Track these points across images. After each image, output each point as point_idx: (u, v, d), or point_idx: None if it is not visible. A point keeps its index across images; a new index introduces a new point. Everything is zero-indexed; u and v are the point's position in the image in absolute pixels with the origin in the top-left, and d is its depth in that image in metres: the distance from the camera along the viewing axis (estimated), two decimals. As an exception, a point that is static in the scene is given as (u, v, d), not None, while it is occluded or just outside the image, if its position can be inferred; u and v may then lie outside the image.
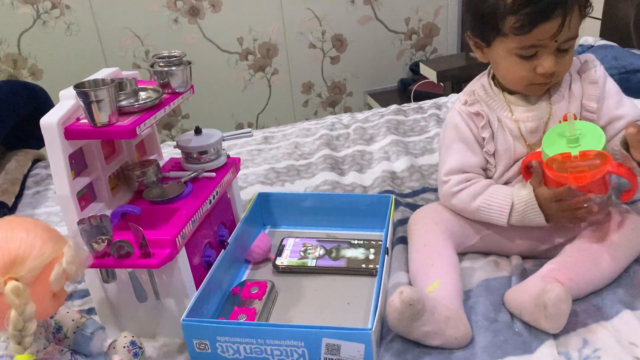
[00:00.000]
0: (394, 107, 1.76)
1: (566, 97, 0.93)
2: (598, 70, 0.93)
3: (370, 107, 2.72)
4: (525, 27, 0.81)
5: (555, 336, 0.80)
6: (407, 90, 2.64)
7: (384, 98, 2.68)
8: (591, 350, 0.77)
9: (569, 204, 0.85)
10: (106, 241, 0.79)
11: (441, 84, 2.23)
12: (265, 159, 1.47)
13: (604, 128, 0.91)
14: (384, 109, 1.77)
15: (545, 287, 0.77)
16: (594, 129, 0.85)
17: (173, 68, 0.89)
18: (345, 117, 1.74)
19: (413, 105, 1.78)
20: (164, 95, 0.88)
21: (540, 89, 0.91)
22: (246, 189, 1.31)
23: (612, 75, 1.31)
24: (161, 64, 0.89)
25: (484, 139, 0.95)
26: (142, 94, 0.86)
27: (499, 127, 0.94)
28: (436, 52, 2.84)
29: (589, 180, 0.81)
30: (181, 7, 2.43)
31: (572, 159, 0.82)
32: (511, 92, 0.95)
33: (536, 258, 0.97)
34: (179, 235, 0.81)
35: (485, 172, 0.98)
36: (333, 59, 2.72)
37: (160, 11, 2.41)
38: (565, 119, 0.85)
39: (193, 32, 2.48)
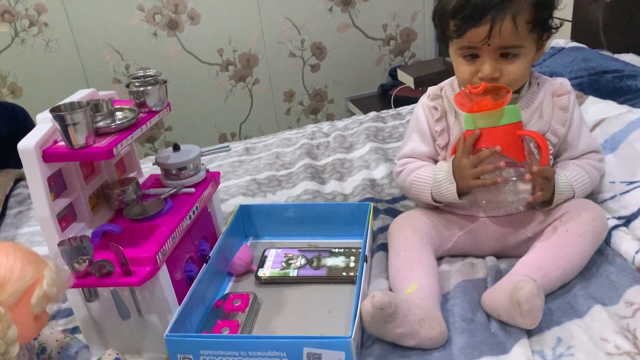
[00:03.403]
0: (372, 114, 1.79)
1: (532, 109, 0.98)
2: (570, 98, 0.99)
3: (352, 113, 2.75)
4: (459, 31, 0.90)
5: (529, 335, 0.82)
6: (388, 95, 2.67)
7: (365, 104, 2.71)
8: (565, 348, 0.79)
9: (477, 156, 0.89)
10: (87, 261, 0.80)
11: (420, 88, 2.26)
12: (247, 170, 1.49)
13: (557, 148, 1.00)
14: (363, 116, 1.79)
15: (516, 285, 0.80)
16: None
17: (149, 87, 0.90)
18: (326, 126, 1.76)
19: (391, 111, 1.81)
20: (141, 115, 0.90)
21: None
22: (228, 201, 1.32)
23: (581, 77, 1.37)
24: (137, 84, 0.90)
25: (437, 132, 1.02)
26: (119, 114, 0.88)
27: (455, 122, 1.01)
28: (414, 57, 2.88)
29: (482, 107, 0.87)
30: (160, 20, 2.44)
31: (481, 88, 0.88)
32: None
33: (510, 257, 1.01)
34: (159, 252, 0.83)
35: (437, 161, 1.04)
36: (313, 66, 2.74)
37: (139, 25, 2.42)
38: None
39: (173, 45, 2.49)
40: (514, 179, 0.89)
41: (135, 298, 0.83)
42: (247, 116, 2.74)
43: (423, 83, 2.21)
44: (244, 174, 1.47)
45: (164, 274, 0.85)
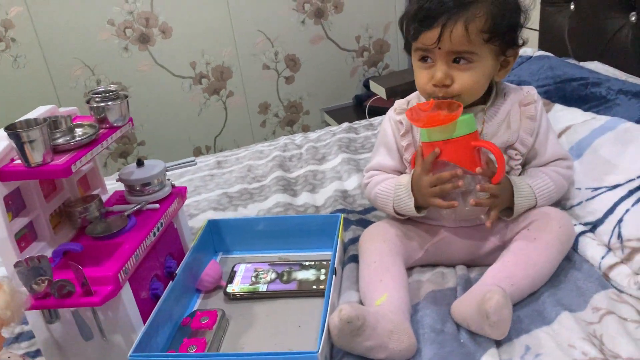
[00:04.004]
0: (345, 125, 1.79)
1: (499, 120, 0.98)
2: (537, 107, 1.00)
3: (328, 124, 2.75)
4: (415, 33, 0.92)
5: (498, 345, 0.82)
6: (363, 106, 2.68)
7: (340, 115, 2.72)
8: (533, 356, 0.79)
9: (437, 177, 0.90)
10: (46, 281, 0.77)
11: (392, 99, 2.27)
12: (218, 184, 1.47)
13: (525, 157, 1.01)
14: (335, 128, 1.79)
15: (484, 296, 0.80)
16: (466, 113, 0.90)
17: (109, 103, 0.89)
18: (298, 137, 1.75)
19: (364, 122, 1.81)
20: (101, 131, 0.88)
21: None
22: (198, 216, 1.30)
23: (547, 85, 1.38)
24: (97, 100, 0.89)
25: (403, 146, 1.02)
26: (79, 131, 0.86)
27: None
28: (388, 68, 2.90)
29: (432, 122, 0.87)
30: (131, 34, 2.41)
31: (429, 106, 0.89)
32: None
33: (479, 265, 1.01)
34: (121, 271, 0.81)
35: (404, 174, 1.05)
36: (288, 78, 2.74)
37: (109, 40, 2.39)
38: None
39: (144, 59, 2.47)
40: (472, 188, 0.90)
41: (97, 318, 0.81)
42: (222, 129, 2.72)
43: (395, 93, 2.22)
44: (215, 187, 1.45)
45: (126, 292, 0.83)
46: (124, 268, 0.82)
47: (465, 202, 0.91)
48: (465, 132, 0.88)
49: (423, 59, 0.94)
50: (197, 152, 2.72)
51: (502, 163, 0.89)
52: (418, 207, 0.96)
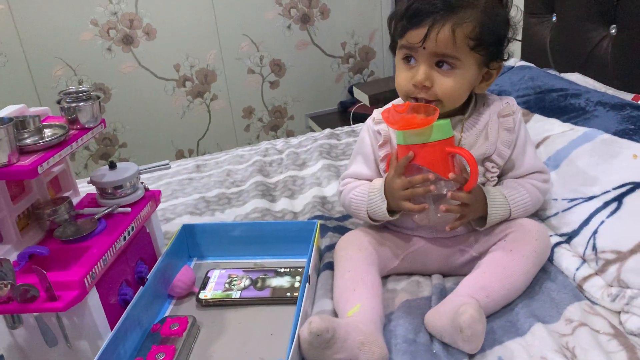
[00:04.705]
0: (327, 131, 1.78)
1: (477, 130, 0.98)
2: (516, 119, 0.99)
3: (312, 130, 2.74)
4: (402, 31, 0.92)
5: (471, 356, 0.81)
6: (347, 112, 2.68)
7: (325, 120, 2.71)
8: (505, 368, 0.79)
9: (409, 180, 0.90)
10: (9, 285, 0.75)
11: (377, 106, 2.27)
12: (196, 188, 1.46)
13: (502, 169, 1.00)
14: (317, 133, 1.78)
15: (458, 309, 0.79)
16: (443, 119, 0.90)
17: (81, 104, 0.87)
18: (280, 143, 1.74)
19: (346, 128, 1.81)
20: (72, 132, 0.86)
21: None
22: (174, 220, 1.28)
23: (528, 95, 1.38)
24: (68, 100, 0.87)
25: (380, 157, 1.01)
26: (47, 132, 0.84)
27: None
28: (373, 75, 2.90)
29: (408, 125, 0.86)
30: (114, 35, 2.39)
31: (404, 108, 0.88)
32: None
33: (455, 275, 1.00)
34: (87, 276, 0.79)
35: None
36: (272, 83, 2.73)
37: (92, 40, 2.37)
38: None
39: (128, 61, 2.45)
40: (444, 194, 0.89)
41: (62, 324, 0.79)
42: (205, 132, 2.70)
43: (378, 101, 2.22)
44: (192, 192, 1.43)
45: (93, 298, 0.81)
46: (90, 273, 0.80)
47: (437, 208, 0.90)
48: (440, 138, 0.87)
49: (406, 58, 0.94)
50: (180, 155, 2.70)
51: (475, 171, 0.88)
52: (391, 211, 0.95)
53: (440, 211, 0.90)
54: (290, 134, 2.86)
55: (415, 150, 0.89)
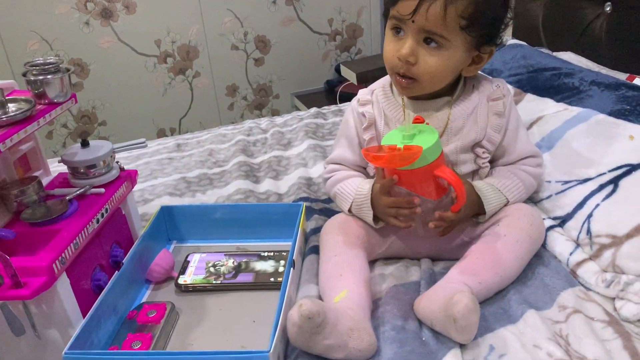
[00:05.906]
0: (313, 110, 1.73)
1: (466, 114, 0.93)
2: (506, 102, 0.94)
3: (298, 109, 2.68)
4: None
5: (462, 345, 0.78)
6: (334, 91, 2.62)
7: (311, 100, 2.65)
8: (497, 356, 0.76)
9: (394, 200, 0.89)
10: (-30, 272, 0.70)
11: (363, 84, 2.22)
12: (177, 168, 1.40)
13: (493, 154, 0.96)
14: (303, 112, 1.73)
15: (452, 299, 0.75)
16: (431, 130, 0.84)
17: (48, 77, 0.80)
18: (264, 122, 1.69)
19: (333, 107, 1.76)
20: (39, 107, 0.80)
21: (403, 85, 0.90)
22: (153, 202, 1.23)
23: (520, 74, 1.34)
24: (34, 72, 0.80)
25: (365, 140, 0.97)
26: (12, 106, 0.78)
27: (385, 129, 0.96)
28: (361, 53, 2.84)
29: (386, 163, 0.82)
30: (92, 9, 2.30)
31: (396, 150, 0.82)
32: (410, 97, 0.95)
33: (445, 259, 0.97)
34: (57, 261, 0.74)
35: (366, 169, 1.02)
36: (257, 60, 2.66)
37: (69, 13, 2.27)
38: (419, 121, 0.87)
39: (107, 35, 2.36)
40: (431, 211, 0.88)
41: (28, 312, 0.74)
42: (188, 111, 2.63)
43: (366, 79, 2.17)
44: (172, 172, 1.38)
45: (63, 284, 0.76)
46: (60, 257, 0.75)
47: (424, 224, 0.89)
48: (426, 163, 0.81)
49: (395, 29, 0.89)
50: (161, 134, 2.63)
51: (462, 194, 0.83)
52: (376, 218, 0.94)
53: (427, 227, 0.89)
54: (275, 113, 2.80)
55: (400, 174, 0.85)
